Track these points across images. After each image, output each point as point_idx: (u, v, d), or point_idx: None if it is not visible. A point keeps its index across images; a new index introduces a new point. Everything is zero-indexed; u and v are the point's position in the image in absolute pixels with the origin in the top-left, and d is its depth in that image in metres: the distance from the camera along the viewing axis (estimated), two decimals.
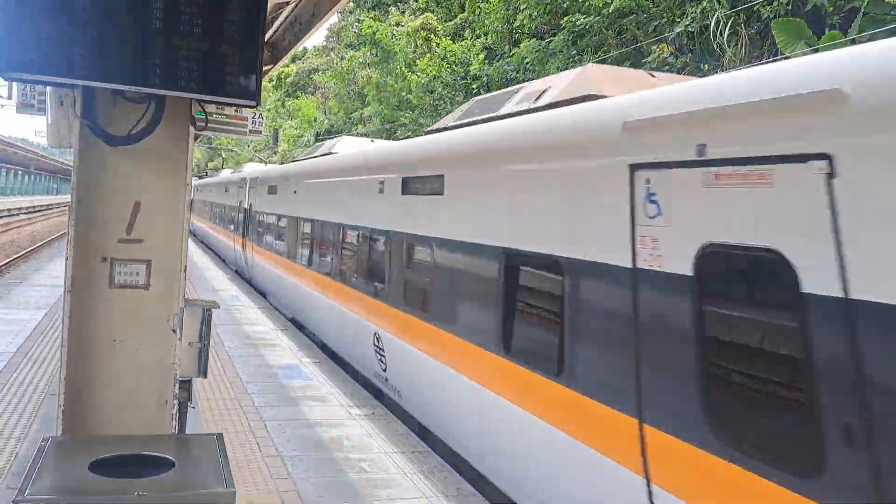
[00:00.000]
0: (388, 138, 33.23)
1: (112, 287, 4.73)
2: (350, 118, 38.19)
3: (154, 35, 4.36)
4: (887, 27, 13.17)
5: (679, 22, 17.61)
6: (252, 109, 25.97)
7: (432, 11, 34.13)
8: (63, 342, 4.59)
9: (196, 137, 6.08)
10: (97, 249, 4.70)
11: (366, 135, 36.88)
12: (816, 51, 14.44)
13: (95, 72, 4.30)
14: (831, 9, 15.09)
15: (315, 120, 42.99)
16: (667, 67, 17.78)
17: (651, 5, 19.50)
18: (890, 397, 3.43)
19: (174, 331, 4.86)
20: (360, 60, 36.46)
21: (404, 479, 8.00)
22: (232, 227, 25.89)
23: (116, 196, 4.71)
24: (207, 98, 4.58)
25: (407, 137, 28.27)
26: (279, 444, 8.62)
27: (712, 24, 16.69)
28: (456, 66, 27.30)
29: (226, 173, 36.40)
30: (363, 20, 33.80)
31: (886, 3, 13.27)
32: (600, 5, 19.21)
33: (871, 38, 13.50)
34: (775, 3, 15.75)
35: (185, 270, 4.82)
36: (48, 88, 5.37)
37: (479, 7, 29.33)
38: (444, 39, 28.92)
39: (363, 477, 7.99)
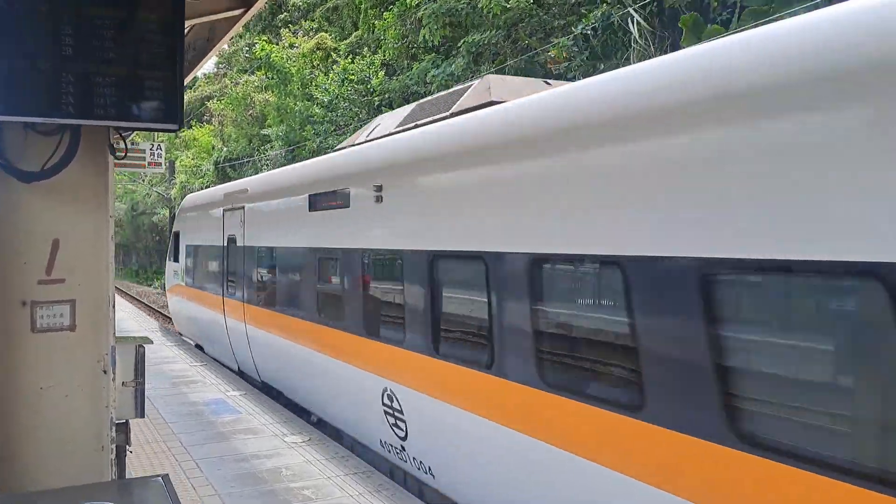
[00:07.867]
0: (293, 159, 32.61)
1: (35, 332, 4.44)
2: (251, 143, 37.40)
3: (65, 63, 4.13)
4: (768, 18, 13.84)
5: (582, 22, 18.04)
6: (150, 141, 24.87)
7: (325, 31, 33.85)
8: None
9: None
10: (15, 293, 4.41)
11: (272, 158, 36.04)
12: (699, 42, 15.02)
13: (3, 105, 4.04)
14: (716, 4, 15.78)
15: (213, 148, 41.97)
16: (566, 66, 18.26)
17: (542, 12, 19.94)
18: None
19: (105, 371, 4.60)
20: (256, 84, 35.86)
21: (352, 501, 7.84)
22: None
23: (33, 235, 4.42)
24: (126, 125, 4.37)
25: (313, 155, 27.74)
26: (215, 483, 8.31)
27: (617, 18, 17.16)
28: (356, 83, 27.19)
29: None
30: (256, 44, 33.23)
31: None
32: (497, 12, 19.45)
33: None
34: None
35: (114, 307, 4.57)
36: None
37: (373, 24, 29.28)
38: (342, 59, 28.76)
39: None
